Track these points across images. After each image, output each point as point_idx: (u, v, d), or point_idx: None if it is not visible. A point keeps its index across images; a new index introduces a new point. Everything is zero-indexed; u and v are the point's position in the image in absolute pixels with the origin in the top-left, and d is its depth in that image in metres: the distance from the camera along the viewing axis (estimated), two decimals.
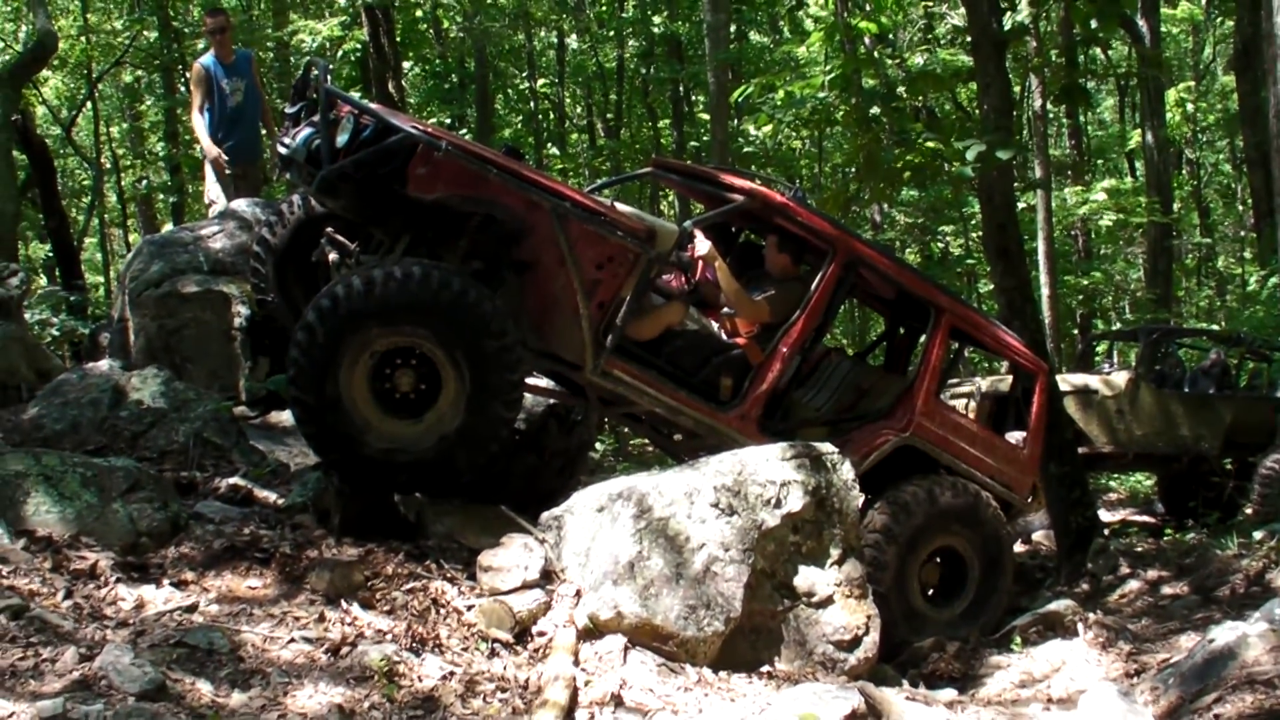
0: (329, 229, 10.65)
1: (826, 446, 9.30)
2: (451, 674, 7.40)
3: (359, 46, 26.28)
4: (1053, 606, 11.20)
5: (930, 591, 11.15)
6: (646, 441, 18.27)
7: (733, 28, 28.79)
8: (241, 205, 14.41)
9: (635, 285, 10.14)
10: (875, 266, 11.23)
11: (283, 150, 10.38)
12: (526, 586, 8.48)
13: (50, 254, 26.78)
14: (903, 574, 10.75)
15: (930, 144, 14.20)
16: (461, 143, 10.09)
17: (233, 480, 10.12)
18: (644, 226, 10.30)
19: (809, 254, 11.35)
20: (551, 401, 11.88)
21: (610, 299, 10.13)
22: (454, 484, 9.93)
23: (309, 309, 9.24)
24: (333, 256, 10.39)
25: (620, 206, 10.70)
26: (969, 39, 15.99)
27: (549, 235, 9.84)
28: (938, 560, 11.24)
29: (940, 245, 36.48)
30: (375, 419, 9.33)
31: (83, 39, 33.37)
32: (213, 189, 15.38)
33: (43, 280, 26.90)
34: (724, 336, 11.36)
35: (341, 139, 9.61)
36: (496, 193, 9.70)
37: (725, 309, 11.47)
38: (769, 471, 8.79)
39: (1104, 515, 16.05)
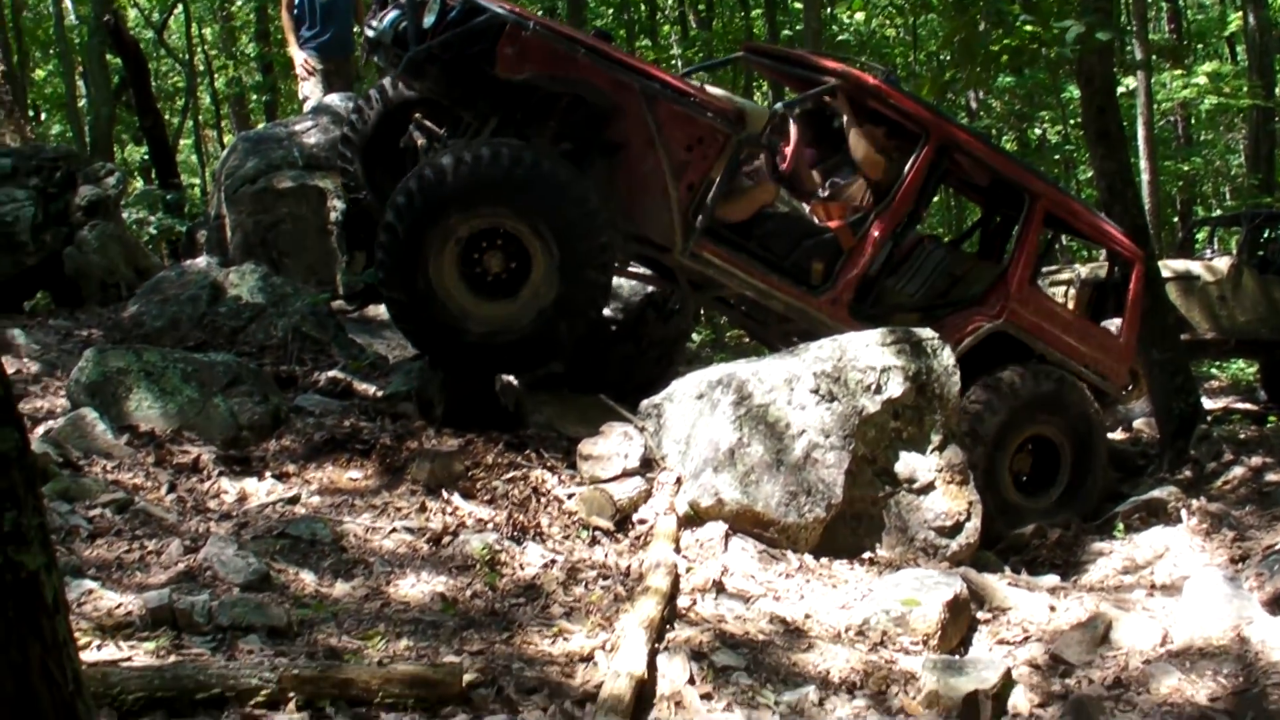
0: (416, 114, 10.65)
1: (927, 332, 9.19)
2: (553, 562, 7.41)
3: None
4: (1155, 493, 11.07)
5: (1024, 480, 11.05)
6: (742, 332, 18.17)
7: None
8: (335, 100, 14.35)
9: (725, 167, 9.93)
10: (969, 151, 10.98)
11: (369, 33, 10.34)
12: (626, 474, 8.47)
13: (146, 156, 26.80)
14: (992, 467, 10.58)
15: (1028, 27, 13.88)
16: (549, 23, 10.00)
17: (332, 373, 10.14)
18: (734, 108, 10.12)
19: (901, 139, 11.04)
20: (649, 290, 11.79)
21: (699, 180, 9.93)
22: (557, 357, 10.01)
23: (389, 205, 9.23)
24: (420, 142, 10.40)
25: (711, 89, 10.57)
26: None
27: (638, 116, 9.69)
28: (1029, 449, 11.09)
29: (1038, 132, 35.99)
30: (471, 305, 9.29)
31: None
32: (305, 86, 15.35)
33: (139, 183, 26.99)
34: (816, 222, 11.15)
35: (428, 20, 9.52)
36: (585, 73, 9.56)
37: (821, 192, 11.31)
38: (869, 357, 8.71)
39: (1206, 403, 15.83)
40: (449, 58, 9.44)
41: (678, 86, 9.98)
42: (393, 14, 9.97)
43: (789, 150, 10.95)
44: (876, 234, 10.47)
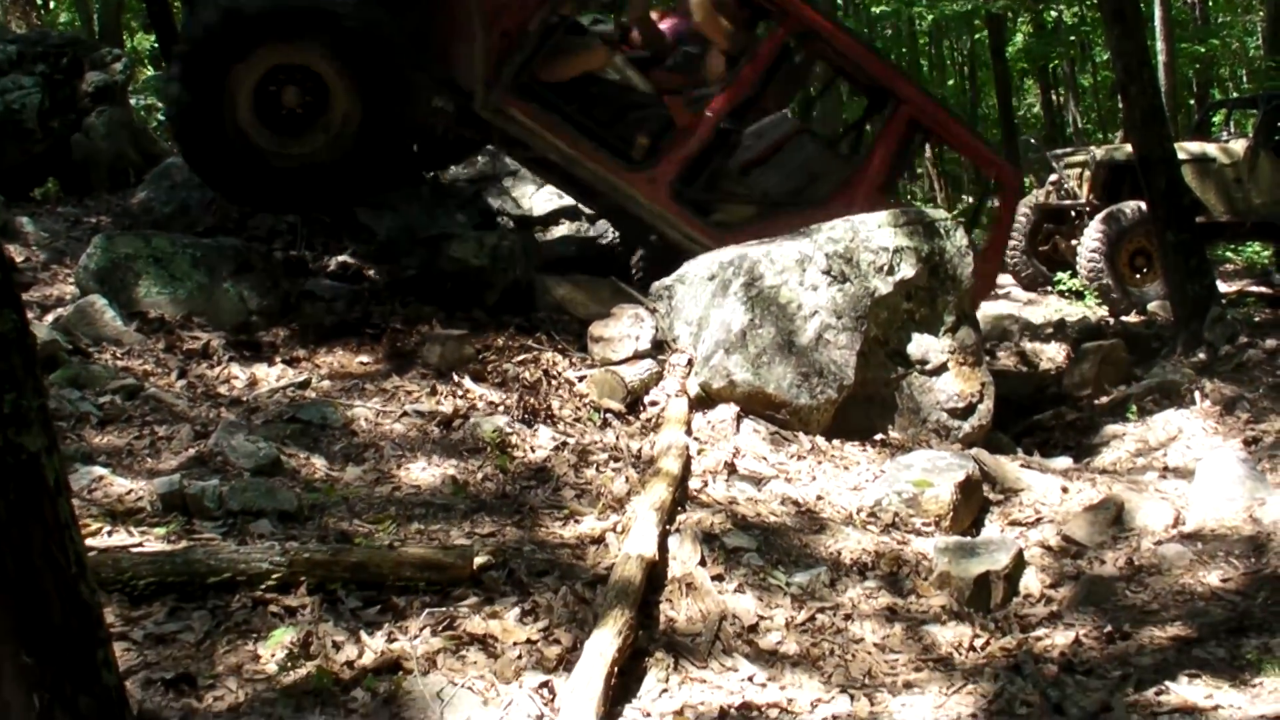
0: None
1: (940, 213, 9.14)
2: (564, 444, 7.40)
3: None
4: (1169, 376, 11.05)
5: None
6: None
7: None
8: None
9: (542, 20, 9.44)
10: (831, 43, 10.39)
11: None
12: (638, 356, 8.46)
13: (155, 44, 26.66)
14: None
15: None
16: None
17: (342, 258, 10.11)
18: None
19: (754, 11, 10.47)
20: None
21: (515, 29, 9.43)
22: (362, 193, 9.87)
23: (183, 37, 9.39)
24: None
25: None
26: None
27: None
28: None
29: (1053, 15, 35.70)
30: (268, 142, 9.11)
31: None
32: None
33: (149, 70, 26.85)
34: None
35: None
36: None
37: (669, 63, 10.64)
38: (881, 238, 8.65)
39: (1221, 286, 15.78)
40: None
41: None
42: None
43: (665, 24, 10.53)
44: (710, 114, 9.94)
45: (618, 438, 7.73)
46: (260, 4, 8.77)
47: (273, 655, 4.80)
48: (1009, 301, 17.59)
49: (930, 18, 35.11)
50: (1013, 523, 7.42)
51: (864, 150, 10.94)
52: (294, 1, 8.77)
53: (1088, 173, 18.28)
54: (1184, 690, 5.05)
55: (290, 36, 8.87)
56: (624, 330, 8.60)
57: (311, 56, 8.92)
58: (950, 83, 42.97)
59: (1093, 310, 16.73)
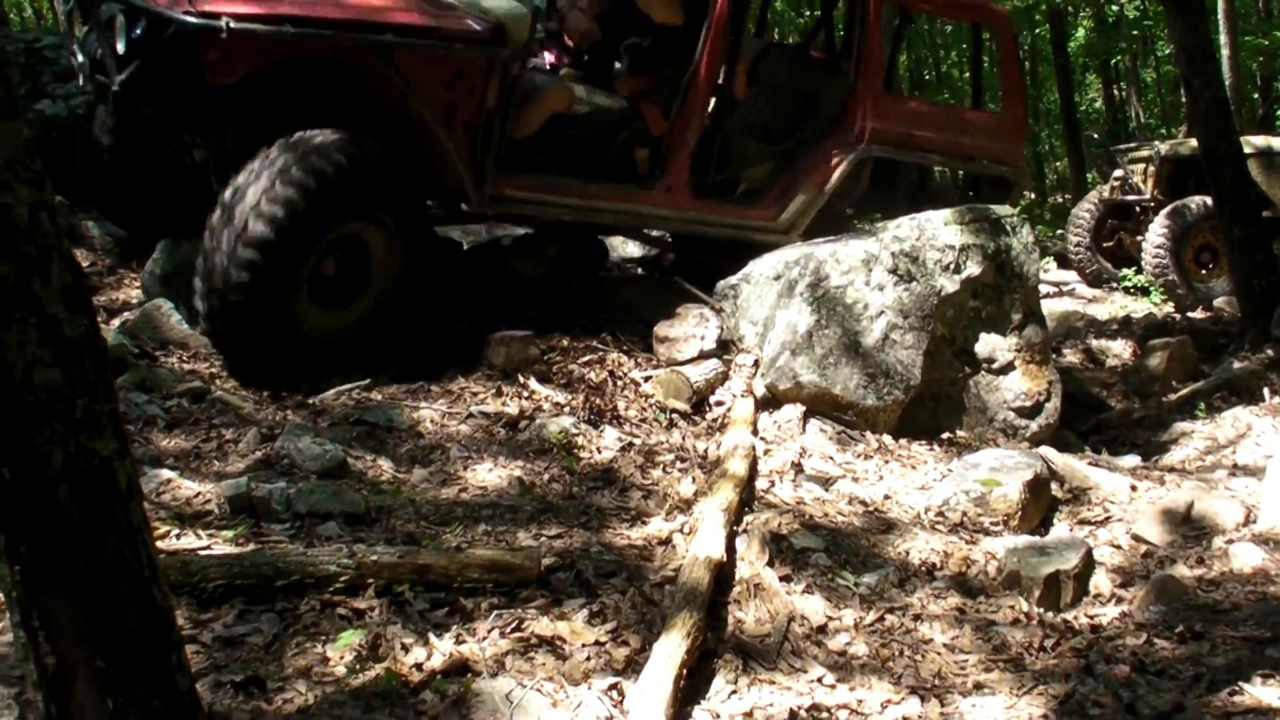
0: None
1: (1006, 209, 9.04)
2: (630, 445, 7.39)
3: None
4: (1236, 371, 10.97)
5: None
6: None
7: None
8: None
9: (498, 91, 8.68)
10: None
11: (76, 58, 9.17)
12: (703, 356, 8.45)
13: None
14: None
15: None
16: (249, 8, 8.01)
17: None
18: (488, 24, 8.60)
19: None
20: None
21: (475, 117, 8.70)
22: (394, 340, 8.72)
23: (248, 242, 7.72)
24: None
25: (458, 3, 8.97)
26: None
27: (381, 73, 8.34)
28: None
29: (1115, 8, 35.52)
30: (318, 318, 8.17)
31: None
32: None
33: None
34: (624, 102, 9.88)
35: (121, 44, 8.06)
36: (305, 51, 8.16)
37: (618, 65, 10.11)
38: (947, 236, 8.60)
39: None
40: (152, 83, 8.08)
41: (414, 25, 8.45)
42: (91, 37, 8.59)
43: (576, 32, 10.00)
44: (694, 99, 9.48)
45: (684, 438, 7.72)
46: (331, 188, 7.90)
47: (341, 657, 4.80)
48: (1073, 298, 17.52)
49: None
50: (1081, 522, 7.36)
51: (852, 50, 10.39)
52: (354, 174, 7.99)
53: (1152, 168, 18.18)
54: (1258, 691, 4.99)
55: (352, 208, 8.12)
56: (689, 330, 8.58)
57: (359, 222, 8.18)
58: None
59: (1158, 307, 16.63)
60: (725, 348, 8.61)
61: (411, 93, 8.38)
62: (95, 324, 3.12)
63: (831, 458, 7.71)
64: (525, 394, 7.90)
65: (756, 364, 8.41)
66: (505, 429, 7.44)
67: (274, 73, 8.15)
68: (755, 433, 7.72)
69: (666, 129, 9.51)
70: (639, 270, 10.87)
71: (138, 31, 7.95)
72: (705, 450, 7.54)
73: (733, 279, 9.02)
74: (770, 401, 8.18)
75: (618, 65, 10.08)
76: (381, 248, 8.27)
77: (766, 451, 7.51)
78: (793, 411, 8.05)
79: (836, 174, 10.01)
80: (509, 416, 7.54)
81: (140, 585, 3.13)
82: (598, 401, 7.84)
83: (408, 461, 6.92)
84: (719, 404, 8.17)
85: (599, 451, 7.26)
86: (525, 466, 6.95)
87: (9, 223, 2.95)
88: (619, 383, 8.18)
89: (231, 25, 7.69)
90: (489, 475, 6.81)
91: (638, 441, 7.47)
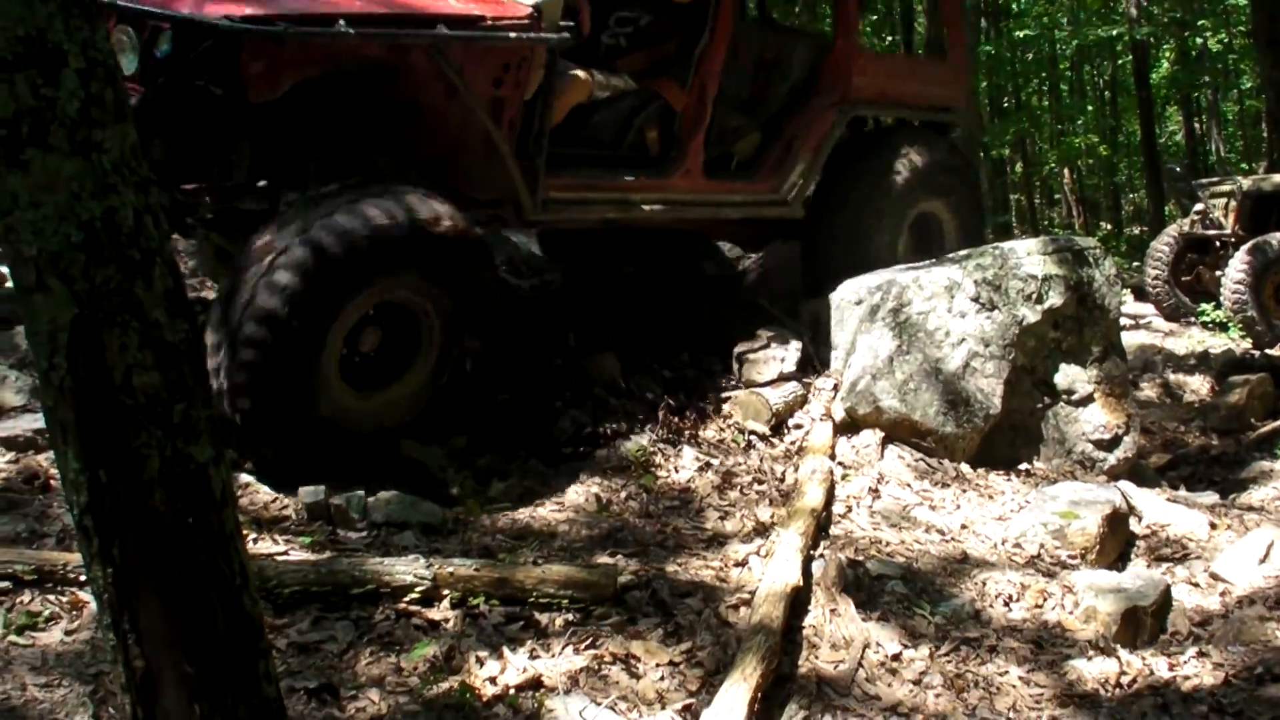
0: None
1: (1089, 241, 8.98)
2: (708, 465, 7.38)
3: None
4: None
5: None
6: None
7: None
8: None
9: (539, 82, 7.82)
10: None
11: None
12: (783, 379, 8.43)
13: None
14: None
15: None
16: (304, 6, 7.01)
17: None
18: (528, 8, 7.68)
19: None
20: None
21: (516, 112, 7.78)
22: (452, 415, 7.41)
23: (252, 314, 6.36)
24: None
25: None
26: None
27: (430, 74, 7.35)
28: None
29: (1199, 40, 35.30)
30: (353, 402, 6.84)
31: None
32: None
33: None
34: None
35: (129, 65, 6.81)
36: (361, 51, 7.07)
37: (605, 39, 9.36)
38: (1030, 266, 8.54)
39: None
40: (179, 100, 6.95)
41: (465, 15, 7.49)
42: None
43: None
44: (708, 78, 8.87)
45: (761, 460, 7.69)
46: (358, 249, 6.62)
47: (415, 668, 4.82)
48: (1150, 332, 17.38)
49: (1074, 43, 34.77)
50: (1159, 558, 7.30)
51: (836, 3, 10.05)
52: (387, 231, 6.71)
53: (1234, 203, 17.99)
54: None
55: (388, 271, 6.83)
56: (770, 352, 8.56)
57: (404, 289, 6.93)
58: (1090, 109, 42.52)
59: (1236, 343, 16.49)
60: (805, 370, 8.59)
61: (466, 90, 7.40)
62: (196, 329, 3.14)
63: (909, 485, 7.67)
64: (604, 411, 7.89)
65: (836, 388, 8.38)
66: (584, 445, 7.43)
67: (317, 84, 7.09)
68: (833, 457, 7.69)
69: (680, 113, 8.90)
70: (718, 288, 10.80)
71: (164, 47, 6.81)
72: (783, 473, 7.51)
73: (814, 303, 9.02)
74: (849, 426, 8.15)
75: (608, 41, 9.35)
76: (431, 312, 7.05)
77: (844, 476, 7.49)
78: (871, 437, 8.02)
79: (827, 137, 9.62)
80: (587, 433, 7.54)
81: (231, 592, 3.13)
82: (676, 421, 7.82)
83: (486, 473, 6.92)
84: (797, 427, 8.14)
85: (676, 471, 7.26)
86: (603, 484, 6.94)
87: (114, 226, 2.96)
88: (697, 402, 8.16)
89: (289, 29, 6.62)
90: (566, 491, 6.81)
91: (715, 462, 7.46)
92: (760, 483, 7.30)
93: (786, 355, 8.53)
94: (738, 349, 8.71)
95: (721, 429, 7.97)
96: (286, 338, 6.30)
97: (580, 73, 8.46)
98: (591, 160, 8.60)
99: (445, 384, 7.06)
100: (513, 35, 7.53)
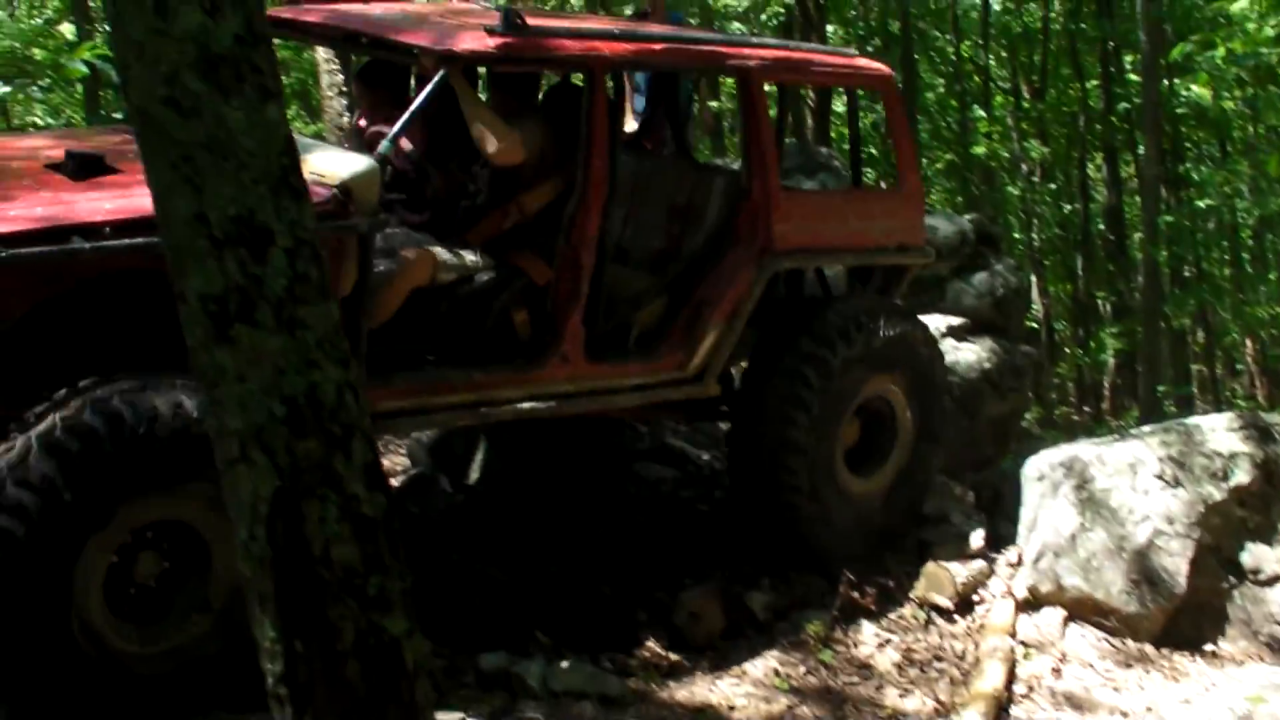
0: None
1: (1276, 417, 8.84)
2: (887, 641, 7.33)
3: (783, 9, 25.93)
4: None
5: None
6: (1072, 409, 17.79)
7: None
8: None
9: (357, 269, 6.50)
10: (643, 62, 8.01)
11: None
12: (966, 555, 8.35)
13: None
14: None
15: None
16: None
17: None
18: (333, 187, 6.32)
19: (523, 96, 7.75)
20: (986, 367, 10.69)
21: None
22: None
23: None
24: None
25: (313, 156, 6.38)
26: None
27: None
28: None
29: None
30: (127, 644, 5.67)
31: None
32: None
33: None
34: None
35: None
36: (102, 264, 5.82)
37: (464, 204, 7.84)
38: (1216, 442, 8.43)
39: None
40: None
41: None
42: None
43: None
44: (582, 234, 7.35)
45: (941, 637, 7.63)
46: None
47: None
48: None
49: (1255, 213, 34.48)
50: None
51: (748, 138, 8.27)
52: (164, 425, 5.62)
53: None
54: None
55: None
56: (954, 527, 8.51)
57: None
58: (1272, 277, 42.04)
59: None
60: (987, 546, 8.52)
61: None
62: (392, 502, 3.20)
63: (1091, 665, 7.57)
64: (784, 586, 7.87)
65: (1018, 564, 8.30)
66: (764, 619, 7.41)
67: (63, 299, 5.89)
68: (1014, 635, 7.61)
69: (551, 280, 7.41)
70: None
71: None
72: (964, 651, 7.45)
73: (994, 477, 8.95)
74: (1031, 603, 8.06)
75: (465, 204, 7.84)
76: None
77: (1025, 655, 7.41)
78: (1053, 615, 7.92)
79: (745, 299, 7.99)
80: (770, 607, 7.52)
81: None
82: (856, 595, 7.78)
83: (665, 645, 6.93)
84: (979, 602, 8.07)
85: (855, 646, 7.22)
86: (781, 658, 6.93)
87: (316, 401, 3.05)
88: (878, 577, 8.10)
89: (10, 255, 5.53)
90: (746, 664, 6.80)
91: (895, 638, 7.41)
92: (940, 660, 7.24)
93: (970, 529, 8.48)
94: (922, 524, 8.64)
95: (901, 603, 7.91)
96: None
97: (412, 253, 7.03)
98: (441, 355, 7.24)
99: None
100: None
